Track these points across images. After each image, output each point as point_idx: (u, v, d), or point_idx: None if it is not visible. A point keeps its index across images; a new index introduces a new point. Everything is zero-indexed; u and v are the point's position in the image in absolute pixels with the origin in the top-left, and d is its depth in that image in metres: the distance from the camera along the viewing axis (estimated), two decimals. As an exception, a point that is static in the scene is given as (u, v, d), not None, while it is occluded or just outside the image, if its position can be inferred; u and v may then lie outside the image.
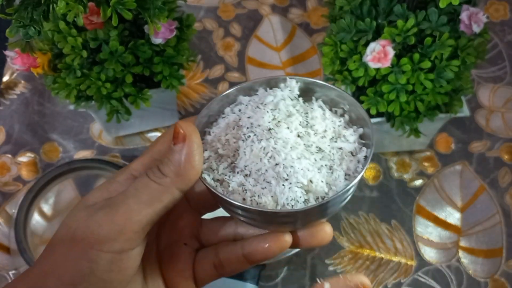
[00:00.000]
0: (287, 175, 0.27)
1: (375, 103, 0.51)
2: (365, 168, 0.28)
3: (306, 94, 0.32)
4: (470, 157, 0.65)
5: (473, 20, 0.48)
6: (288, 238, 0.28)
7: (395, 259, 0.59)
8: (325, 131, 0.30)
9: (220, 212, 0.30)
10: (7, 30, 0.43)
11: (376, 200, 0.62)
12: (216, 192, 0.27)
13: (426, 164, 0.64)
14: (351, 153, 0.30)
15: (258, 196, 0.27)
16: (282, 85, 0.31)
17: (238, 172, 0.28)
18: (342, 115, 0.32)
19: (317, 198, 0.28)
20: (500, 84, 0.69)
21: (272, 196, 0.27)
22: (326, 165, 0.29)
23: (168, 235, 0.30)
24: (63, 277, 0.24)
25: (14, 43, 0.46)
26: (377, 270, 0.58)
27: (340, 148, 0.30)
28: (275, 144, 0.28)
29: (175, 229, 0.31)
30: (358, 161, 0.29)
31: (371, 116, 0.54)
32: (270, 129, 0.28)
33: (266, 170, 0.28)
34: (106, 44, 0.49)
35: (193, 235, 0.31)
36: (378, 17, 0.50)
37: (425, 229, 0.61)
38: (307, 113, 0.30)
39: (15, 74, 0.72)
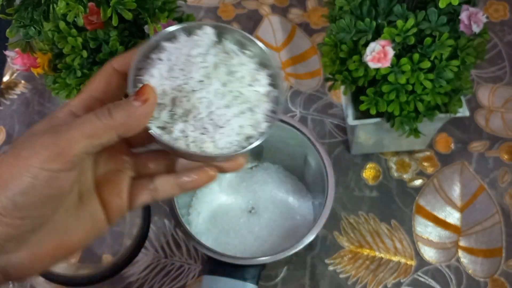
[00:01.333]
0: (222, 122, 0.32)
1: (375, 103, 0.51)
2: (281, 107, 0.33)
3: (218, 37, 0.35)
4: (469, 157, 0.65)
5: (472, 20, 0.48)
6: (214, 173, 0.33)
7: (395, 258, 0.59)
8: (243, 77, 0.33)
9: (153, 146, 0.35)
10: (8, 30, 0.43)
11: (376, 200, 0.62)
12: (163, 141, 0.31)
13: (425, 164, 0.64)
14: (266, 95, 0.34)
15: (200, 141, 0.32)
16: (199, 32, 0.34)
17: (176, 119, 0.32)
18: (251, 57, 0.35)
19: (247, 138, 0.33)
20: (500, 84, 0.69)
21: (212, 142, 0.32)
22: (249, 109, 0.33)
23: (106, 163, 0.34)
24: (8, 188, 0.27)
25: (15, 43, 0.46)
26: (377, 270, 0.58)
27: (257, 91, 0.34)
28: (207, 94, 0.32)
29: (113, 158, 0.34)
30: (272, 101, 0.34)
31: (371, 116, 0.54)
32: (201, 81, 0.32)
33: (203, 118, 0.32)
34: (106, 44, 0.49)
35: (129, 165, 0.35)
36: (378, 17, 0.50)
37: (425, 229, 0.61)
38: (227, 61, 0.34)
39: (15, 74, 0.72)
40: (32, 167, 0.27)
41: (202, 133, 0.32)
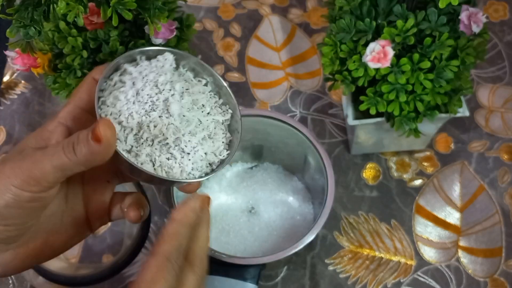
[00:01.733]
0: (188, 149, 0.33)
1: (375, 103, 0.51)
2: (238, 135, 0.36)
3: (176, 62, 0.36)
4: (469, 157, 0.65)
5: (472, 20, 0.48)
6: (143, 215, 0.36)
7: (395, 258, 0.59)
8: (203, 105, 0.35)
9: None
10: (8, 30, 0.43)
11: (376, 200, 0.62)
12: (133, 164, 0.32)
13: (425, 164, 0.64)
14: (222, 123, 0.36)
15: (167, 166, 0.33)
16: (160, 57, 0.35)
17: (142, 143, 0.33)
18: (205, 85, 0.36)
19: (209, 165, 0.35)
20: (500, 84, 0.69)
21: (180, 168, 0.33)
22: (209, 136, 0.35)
23: (93, 171, 0.35)
24: None
25: (15, 43, 0.46)
26: (376, 270, 0.58)
27: (215, 120, 0.35)
28: (174, 121, 0.33)
29: (100, 167, 0.35)
30: (226, 128, 0.36)
31: (371, 116, 0.54)
32: (168, 109, 0.33)
33: (169, 144, 0.33)
34: (106, 44, 0.49)
35: (115, 175, 0.37)
36: (378, 17, 0.51)
37: (425, 229, 0.61)
38: (188, 89, 0.35)
39: (15, 74, 0.72)
40: (13, 187, 0.29)
41: (168, 158, 0.33)
